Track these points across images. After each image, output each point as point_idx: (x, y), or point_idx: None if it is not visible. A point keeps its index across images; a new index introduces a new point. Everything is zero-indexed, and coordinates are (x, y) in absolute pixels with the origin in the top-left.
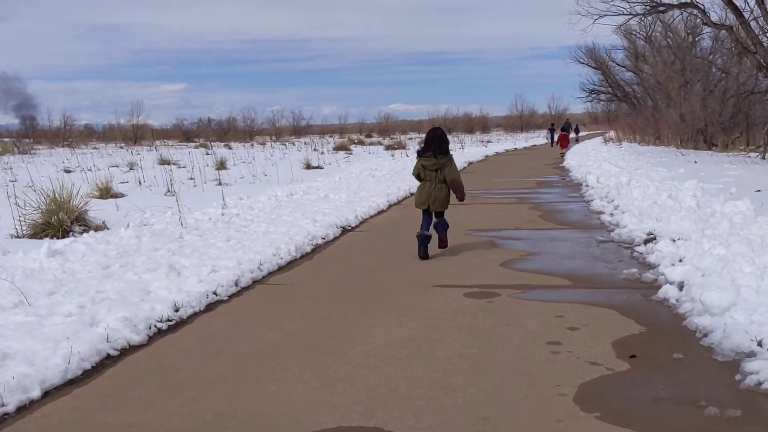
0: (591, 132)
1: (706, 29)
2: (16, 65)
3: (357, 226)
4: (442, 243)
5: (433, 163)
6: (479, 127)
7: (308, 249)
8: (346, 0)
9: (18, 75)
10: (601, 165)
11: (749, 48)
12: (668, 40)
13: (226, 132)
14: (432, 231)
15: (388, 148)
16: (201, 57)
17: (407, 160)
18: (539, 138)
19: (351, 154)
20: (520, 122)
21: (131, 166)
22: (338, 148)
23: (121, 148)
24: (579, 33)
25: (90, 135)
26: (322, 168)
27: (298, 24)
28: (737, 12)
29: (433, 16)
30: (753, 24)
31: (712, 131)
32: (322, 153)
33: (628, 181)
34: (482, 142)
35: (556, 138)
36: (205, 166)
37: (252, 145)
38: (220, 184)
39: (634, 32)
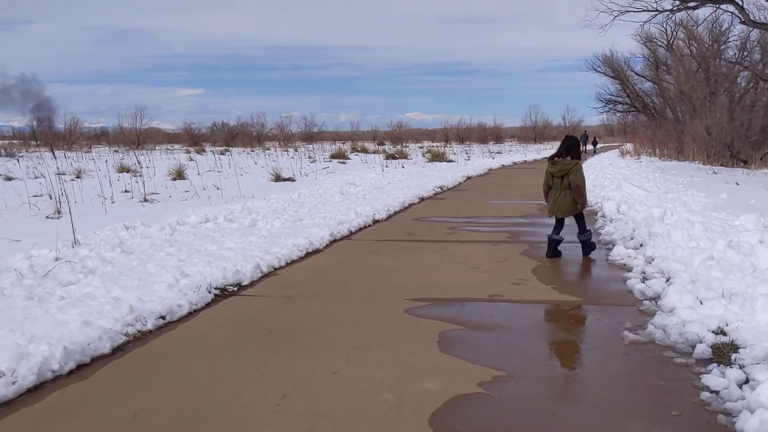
0: (606, 144)
1: (733, 36)
2: (37, 68)
3: (245, 287)
4: (586, 249)
5: (559, 170)
6: (493, 138)
7: (88, 360)
8: (365, 9)
9: (37, 77)
10: (621, 186)
11: None
12: (691, 48)
13: (234, 137)
14: (561, 236)
15: (388, 157)
16: (219, 62)
17: (400, 172)
18: (552, 150)
19: (344, 163)
20: (534, 133)
21: (78, 174)
22: (335, 156)
23: (116, 152)
24: (596, 32)
25: (98, 138)
26: (293, 180)
27: (317, 31)
28: None
29: (451, 27)
30: None
31: (738, 146)
32: (313, 161)
33: (662, 215)
34: (491, 153)
35: None
36: (166, 176)
37: (253, 150)
38: (145, 200)
39: (654, 39)
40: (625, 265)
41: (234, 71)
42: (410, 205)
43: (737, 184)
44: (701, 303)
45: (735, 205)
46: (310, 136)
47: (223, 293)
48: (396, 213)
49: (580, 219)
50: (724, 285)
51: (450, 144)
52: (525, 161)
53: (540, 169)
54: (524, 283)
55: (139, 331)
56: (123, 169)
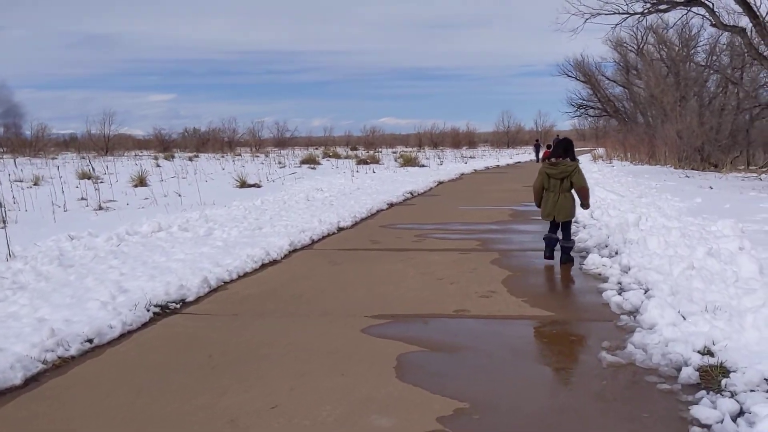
0: (578, 149)
1: (702, 41)
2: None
3: (189, 304)
4: (564, 257)
5: (560, 171)
6: (466, 143)
7: None
8: (338, 14)
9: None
10: (594, 190)
11: (764, 54)
12: (661, 52)
13: (204, 143)
14: (558, 234)
15: (359, 162)
16: (191, 67)
17: (370, 177)
18: (525, 154)
19: (314, 169)
20: (507, 138)
21: (36, 181)
22: (305, 161)
23: (83, 158)
24: (568, 35)
25: (67, 145)
26: (259, 186)
27: (290, 36)
28: (751, 12)
29: (424, 32)
30: None
31: (709, 150)
32: (283, 166)
33: (637, 221)
34: (464, 158)
35: (541, 154)
36: (128, 182)
37: (223, 156)
38: (100, 208)
39: (625, 44)
40: (600, 274)
41: (206, 76)
42: (378, 211)
43: (711, 188)
44: (684, 318)
45: (710, 209)
46: (283, 142)
47: (163, 311)
48: (363, 220)
49: (569, 225)
50: (706, 297)
51: (423, 149)
52: (497, 166)
53: (512, 173)
54: (493, 295)
55: (59, 358)
56: (84, 176)
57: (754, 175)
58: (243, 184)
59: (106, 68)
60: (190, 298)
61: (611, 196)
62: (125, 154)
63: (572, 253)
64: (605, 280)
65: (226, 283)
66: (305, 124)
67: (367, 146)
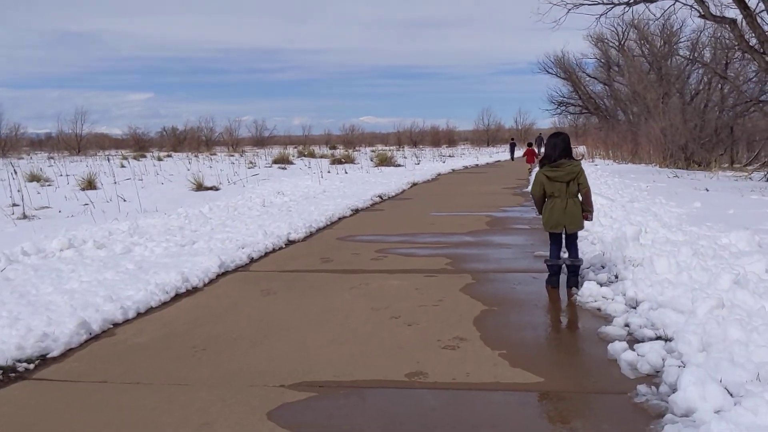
0: None
1: (684, 37)
2: None
3: (51, 362)
4: (572, 279)
5: (566, 173)
6: (446, 141)
7: None
8: (319, 12)
9: None
10: None
11: (755, 47)
12: (643, 48)
13: (181, 142)
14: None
15: (334, 161)
16: (170, 66)
17: (340, 178)
18: (505, 153)
19: (285, 168)
20: (487, 136)
21: None
22: (277, 161)
23: (51, 158)
24: (549, 26)
25: (41, 144)
26: (217, 189)
27: (270, 34)
28: (742, 3)
29: (405, 31)
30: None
31: (692, 148)
32: (252, 166)
33: (636, 234)
34: (442, 156)
35: (519, 153)
36: (76, 185)
37: (196, 156)
38: (24, 217)
39: (606, 40)
40: (599, 309)
41: (185, 75)
42: (340, 219)
43: (707, 190)
44: (732, 396)
45: (713, 216)
46: (262, 141)
47: (5, 376)
48: (319, 230)
49: (576, 238)
50: (752, 354)
51: (402, 147)
52: (477, 165)
53: (491, 173)
54: (462, 345)
55: None
56: (33, 178)
57: (744, 174)
58: (199, 187)
59: (83, 67)
60: (55, 353)
61: (600, 200)
62: (97, 154)
63: (563, 285)
64: (608, 320)
65: (116, 325)
66: (286, 123)
67: (346, 145)
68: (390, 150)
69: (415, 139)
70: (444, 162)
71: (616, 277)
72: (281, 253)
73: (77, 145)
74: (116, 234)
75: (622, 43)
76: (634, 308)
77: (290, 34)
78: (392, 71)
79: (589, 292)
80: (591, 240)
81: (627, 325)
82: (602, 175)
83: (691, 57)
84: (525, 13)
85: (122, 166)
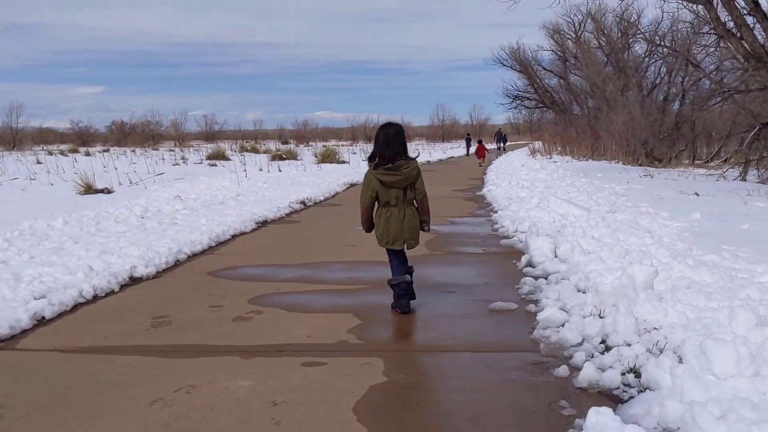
0: (513, 142)
1: (642, 29)
2: None
3: None
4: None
5: (404, 177)
6: None
7: None
8: (276, 5)
9: None
10: (547, 200)
11: (732, 30)
12: (600, 40)
13: (126, 136)
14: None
15: (274, 158)
16: (120, 59)
17: (265, 178)
18: (459, 149)
19: (215, 165)
20: (442, 132)
21: None
22: (212, 156)
23: None
24: (506, 4)
25: None
26: (110, 192)
27: (223, 28)
28: None
29: (362, 25)
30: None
31: (653, 143)
32: (178, 163)
33: (650, 278)
34: None
35: (472, 149)
36: None
37: (134, 150)
38: None
39: (562, 31)
40: None
41: (136, 68)
42: (234, 236)
43: (696, 194)
44: None
45: (725, 234)
46: (212, 135)
47: None
48: (193, 256)
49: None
50: None
51: (356, 143)
52: (428, 162)
53: (443, 172)
54: None
55: None
56: None
57: (716, 172)
58: (88, 190)
59: (29, 59)
60: None
61: (574, 211)
62: (32, 149)
63: (541, 361)
64: None
65: None
66: (239, 118)
67: (298, 140)
68: (342, 145)
69: (369, 134)
70: None
71: (634, 371)
72: (100, 305)
73: (12, 139)
74: None
75: (579, 34)
76: None
77: (245, 27)
78: (348, 66)
79: (596, 419)
80: (575, 283)
81: None
82: (565, 175)
83: (659, 43)
84: (480, 10)
85: (38, 162)
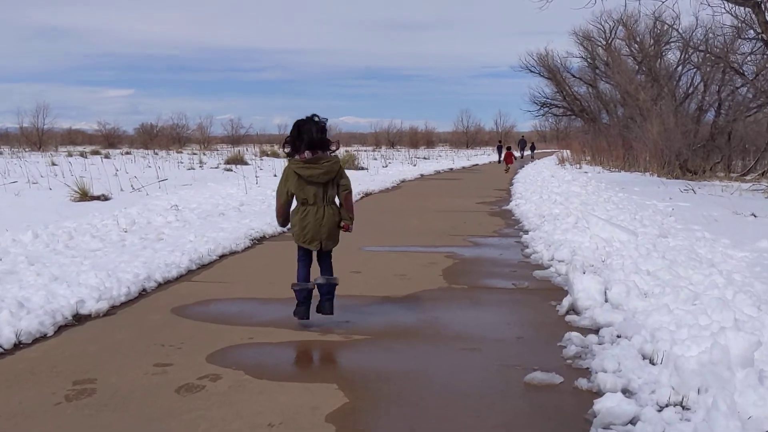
0: (540, 150)
1: (674, 37)
2: None
3: None
4: (327, 304)
5: (324, 171)
6: (424, 142)
7: None
8: (302, 12)
9: None
10: (586, 219)
11: None
12: (632, 47)
13: (152, 138)
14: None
15: None
16: (150, 63)
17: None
18: (484, 155)
19: (231, 170)
20: (466, 138)
21: None
22: (229, 161)
23: (0, 154)
24: (537, 4)
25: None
26: (108, 199)
27: (251, 33)
28: None
29: (387, 32)
30: None
31: (686, 155)
32: (193, 167)
33: (750, 353)
34: (415, 159)
35: (503, 156)
36: None
37: (157, 153)
38: None
39: (592, 38)
40: None
41: (166, 72)
42: (224, 255)
43: (754, 216)
44: None
45: None
46: (237, 139)
47: None
48: (165, 284)
49: (330, 253)
50: None
51: (380, 148)
52: (451, 169)
53: (467, 180)
54: None
55: None
56: None
57: (760, 186)
58: (84, 196)
59: (61, 62)
60: None
61: (619, 235)
62: (57, 150)
63: None
64: None
65: None
66: (266, 122)
67: None
68: (365, 150)
69: (392, 139)
70: (414, 165)
71: None
72: (16, 359)
73: (38, 140)
74: None
75: (609, 41)
76: None
77: (273, 33)
78: (373, 72)
79: None
80: (640, 346)
81: None
82: (600, 188)
83: (698, 48)
84: (505, 16)
85: (53, 164)
